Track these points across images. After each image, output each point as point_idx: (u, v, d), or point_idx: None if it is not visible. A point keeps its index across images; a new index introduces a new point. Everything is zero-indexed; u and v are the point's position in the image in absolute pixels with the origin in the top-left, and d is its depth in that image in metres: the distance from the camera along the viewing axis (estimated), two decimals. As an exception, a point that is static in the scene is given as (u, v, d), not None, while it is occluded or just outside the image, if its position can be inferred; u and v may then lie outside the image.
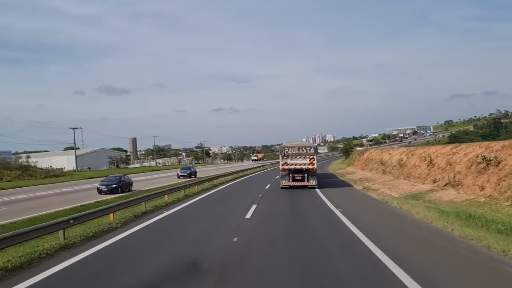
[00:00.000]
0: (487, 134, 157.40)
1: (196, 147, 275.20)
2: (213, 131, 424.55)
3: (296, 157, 22.75)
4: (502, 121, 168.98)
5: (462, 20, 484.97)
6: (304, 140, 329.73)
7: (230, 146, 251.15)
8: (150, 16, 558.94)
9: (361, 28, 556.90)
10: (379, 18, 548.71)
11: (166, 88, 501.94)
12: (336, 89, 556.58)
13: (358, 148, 71.44)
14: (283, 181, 23.27)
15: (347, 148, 67.06)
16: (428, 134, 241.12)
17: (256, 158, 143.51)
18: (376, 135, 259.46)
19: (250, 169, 53.07)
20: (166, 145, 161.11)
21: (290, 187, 22.96)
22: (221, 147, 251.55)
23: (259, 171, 53.27)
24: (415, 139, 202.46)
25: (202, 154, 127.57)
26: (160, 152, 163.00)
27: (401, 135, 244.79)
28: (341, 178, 34.58)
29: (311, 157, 22.72)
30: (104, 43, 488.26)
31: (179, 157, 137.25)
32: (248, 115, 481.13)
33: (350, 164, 55.22)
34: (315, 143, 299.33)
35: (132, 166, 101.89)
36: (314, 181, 22.92)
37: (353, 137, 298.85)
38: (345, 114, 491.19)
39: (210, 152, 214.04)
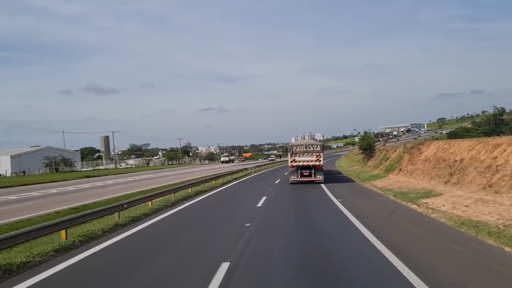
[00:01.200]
0: (490, 130, 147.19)
1: (183, 147, 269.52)
2: (202, 130, 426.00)
3: (303, 154, 24.07)
4: (503, 117, 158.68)
5: (449, 20, 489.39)
6: (293, 139, 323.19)
7: (218, 146, 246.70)
8: (137, 15, 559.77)
9: (350, 28, 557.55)
10: (367, 18, 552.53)
11: (154, 88, 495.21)
12: (325, 88, 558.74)
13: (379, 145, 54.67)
14: (292, 177, 24.72)
15: (369, 143, 43.34)
16: (423, 132, 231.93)
17: (227, 159, 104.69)
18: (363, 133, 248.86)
19: (216, 177, 30.00)
20: (144, 144, 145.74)
21: (299, 183, 24.23)
22: (209, 147, 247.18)
23: (229, 182, 30.27)
24: (416, 137, 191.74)
25: (179, 154, 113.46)
26: (137, 151, 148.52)
27: (395, 132, 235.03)
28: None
29: (317, 154, 24.00)
30: (91, 43, 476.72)
31: (155, 157, 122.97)
32: (237, 114, 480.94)
33: (385, 168, 30.01)
34: None
35: (85, 168, 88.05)
36: (321, 177, 24.33)
37: (343, 135, 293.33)
38: (334, 113, 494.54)
39: (195, 151, 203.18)
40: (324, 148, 25.77)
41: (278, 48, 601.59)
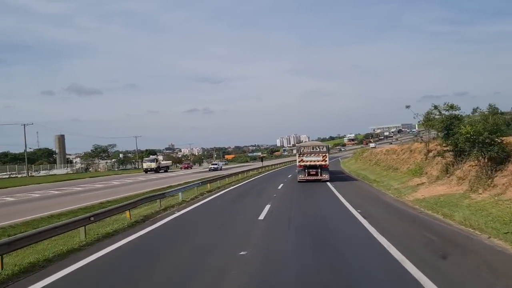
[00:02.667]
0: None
1: (166, 149, 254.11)
2: (187, 132, 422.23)
3: (310, 154, 25.67)
4: (504, 116, 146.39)
5: (433, 23, 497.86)
6: (278, 140, 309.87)
7: (202, 148, 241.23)
8: (121, 16, 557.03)
9: (335, 29, 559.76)
10: (352, 20, 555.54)
11: (139, 89, 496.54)
12: (311, 89, 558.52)
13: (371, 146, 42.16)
14: (300, 176, 26.21)
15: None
16: (415, 132, 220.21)
17: (153, 165, 58.40)
18: (352, 135, 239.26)
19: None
20: (110, 145, 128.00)
21: (307, 181, 25.51)
22: (192, 148, 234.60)
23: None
24: (415, 138, 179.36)
25: (135, 157, 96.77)
26: (102, 152, 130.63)
27: (386, 133, 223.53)
28: None
29: (323, 154, 25.70)
30: (74, 43, 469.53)
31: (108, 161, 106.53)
32: (222, 116, 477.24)
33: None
34: (290, 143, 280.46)
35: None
36: (327, 176, 25.77)
37: (330, 136, 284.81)
38: (320, 114, 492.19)
39: (176, 153, 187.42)
40: (329, 149, 27.71)
41: (264, 50, 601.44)
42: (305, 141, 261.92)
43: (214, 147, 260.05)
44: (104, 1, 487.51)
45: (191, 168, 73.63)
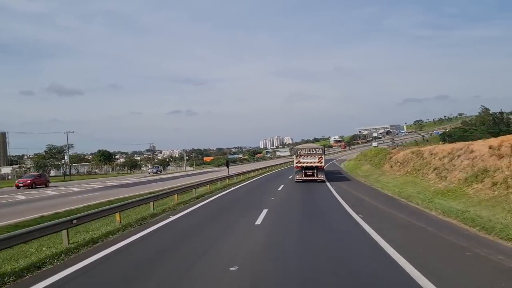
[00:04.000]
0: (497, 130, 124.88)
1: (147, 150, 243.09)
2: (170, 133, 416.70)
3: (307, 156, 26.33)
4: (503, 117, 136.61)
5: (414, 27, 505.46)
6: (261, 142, 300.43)
7: (183, 149, 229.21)
8: (103, 15, 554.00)
9: (319, 32, 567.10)
10: (336, 23, 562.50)
11: (121, 90, 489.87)
12: (295, 92, 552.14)
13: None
14: (297, 176, 26.78)
15: None
16: (403, 133, 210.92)
17: None
18: (336, 137, 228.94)
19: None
20: (65, 145, 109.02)
21: (304, 181, 26.07)
22: (172, 150, 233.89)
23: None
24: (406, 139, 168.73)
25: (96, 159, 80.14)
26: (58, 154, 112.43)
27: (375, 134, 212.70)
28: None
29: (319, 156, 26.28)
30: (54, 42, 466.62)
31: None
32: (206, 118, 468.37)
33: None
34: (273, 145, 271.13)
35: None
36: (322, 176, 26.41)
37: (314, 138, 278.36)
38: (304, 116, 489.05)
39: (156, 155, 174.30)
40: (324, 151, 28.44)
41: (248, 52, 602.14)
42: (288, 143, 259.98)
43: (193, 149, 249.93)
44: (85, 1, 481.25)
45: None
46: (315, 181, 25.78)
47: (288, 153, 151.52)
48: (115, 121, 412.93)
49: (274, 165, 54.45)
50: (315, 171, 26.22)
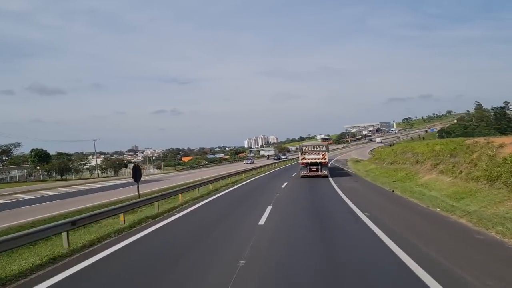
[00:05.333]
0: (504, 126, 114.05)
1: (129, 150, 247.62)
2: (155, 133, 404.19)
3: (311, 153, 27.64)
4: (505, 112, 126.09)
5: (398, 28, 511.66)
6: (245, 142, 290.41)
7: (168, 149, 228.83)
8: (86, 14, 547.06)
9: (305, 32, 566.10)
10: (321, 22, 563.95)
11: (105, 90, 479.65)
12: (281, 91, 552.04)
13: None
14: (302, 172, 27.82)
15: None
16: (394, 131, 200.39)
17: None
18: (322, 135, 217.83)
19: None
20: (11, 144, 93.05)
21: (308, 177, 27.14)
22: (154, 150, 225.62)
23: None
24: (400, 137, 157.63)
25: (30, 160, 63.99)
26: (2, 154, 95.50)
27: (365, 132, 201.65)
28: None
29: (323, 153, 27.62)
30: (36, 41, 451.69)
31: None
32: (191, 117, 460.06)
33: None
34: (258, 145, 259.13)
35: None
36: (326, 172, 27.64)
37: (300, 137, 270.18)
38: (289, 115, 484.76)
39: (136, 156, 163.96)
40: (328, 148, 29.98)
41: (233, 51, 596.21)
42: (273, 143, 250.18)
43: (171, 148, 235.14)
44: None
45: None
46: (319, 176, 27.14)
47: (272, 152, 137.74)
48: (98, 120, 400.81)
49: (255, 170, 40.21)
50: (319, 167, 27.66)
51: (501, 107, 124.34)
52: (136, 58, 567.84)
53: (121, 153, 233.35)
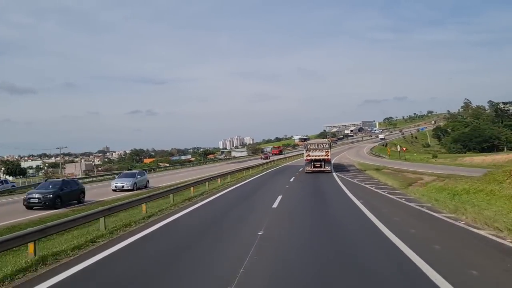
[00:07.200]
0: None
1: (99, 151, 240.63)
2: (130, 134, 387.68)
3: (315, 150, 30.22)
4: (507, 108, 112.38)
5: (373, 30, 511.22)
6: (220, 142, 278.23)
7: (132, 150, 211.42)
8: (57, 12, 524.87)
9: (281, 33, 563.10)
10: (297, 24, 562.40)
11: (77, 89, 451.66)
12: (257, 92, 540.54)
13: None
14: (307, 168, 30.55)
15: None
16: (377, 131, 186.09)
17: None
18: (298, 136, 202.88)
19: None
20: None
21: (313, 172, 29.65)
22: (125, 151, 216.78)
23: None
24: (380, 137, 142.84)
25: None
26: None
27: (347, 131, 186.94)
28: None
29: (326, 150, 30.11)
30: (5, 39, 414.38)
31: None
32: (166, 118, 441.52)
33: None
34: (233, 146, 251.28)
35: None
36: (329, 167, 30.65)
37: (276, 138, 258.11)
38: (265, 116, 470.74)
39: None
40: (331, 146, 32.42)
41: (210, 52, 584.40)
42: (249, 144, 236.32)
43: (133, 149, 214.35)
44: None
45: None
46: (322, 171, 29.15)
47: (245, 153, 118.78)
48: (70, 120, 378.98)
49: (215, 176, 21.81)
50: (323, 163, 29.89)
51: (502, 103, 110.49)
52: (110, 58, 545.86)
53: (90, 154, 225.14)
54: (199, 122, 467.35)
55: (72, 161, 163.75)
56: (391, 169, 31.70)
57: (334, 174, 27.97)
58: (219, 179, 23.38)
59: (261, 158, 67.42)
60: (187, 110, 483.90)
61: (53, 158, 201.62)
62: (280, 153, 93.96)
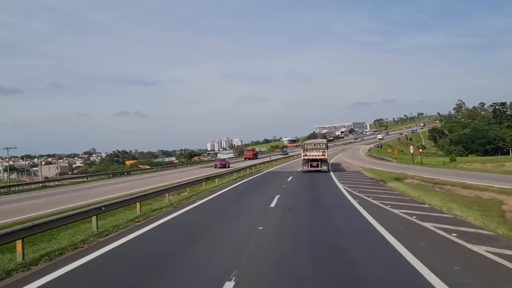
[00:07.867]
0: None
1: (84, 153, 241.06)
2: (118, 135, 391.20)
3: (312, 150, 31.22)
4: (507, 110, 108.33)
5: (361, 33, 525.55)
6: (208, 144, 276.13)
7: (113, 152, 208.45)
8: (45, 12, 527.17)
9: (270, 35, 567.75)
10: (287, 26, 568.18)
11: (65, 90, 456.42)
12: (246, 94, 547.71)
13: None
14: (304, 167, 31.48)
15: None
16: (369, 132, 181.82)
17: None
18: (287, 138, 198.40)
19: None
20: None
21: (310, 171, 30.59)
22: (112, 152, 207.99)
23: None
24: (388, 137, 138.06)
25: None
26: None
27: (338, 133, 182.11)
28: None
29: (323, 150, 31.09)
30: None
31: None
32: (155, 119, 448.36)
33: None
34: (221, 147, 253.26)
35: None
36: (326, 167, 31.36)
37: (265, 139, 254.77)
38: (254, 118, 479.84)
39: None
40: (328, 146, 33.38)
41: (198, 53, 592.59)
42: (237, 146, 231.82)
43: (117, 151, 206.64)
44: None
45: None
46: (319, 171, 29.87)
47: (231, 155, 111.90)
48: (57, 121, 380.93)
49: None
50: (319, 163, 30.75)
51: (501, 103, 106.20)
52: (98, 58, 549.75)
53: (75, 156, 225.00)
54: (188, 124, 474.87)
55: (50, 163, 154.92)
56: (417, 178, 23.18)
57: (341, 187, 18.62)
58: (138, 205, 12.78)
59: (215, 167, 48.82)
60: (176, 111, 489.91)
61: (35, 159, 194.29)
62: (255, 157, 75.63)
